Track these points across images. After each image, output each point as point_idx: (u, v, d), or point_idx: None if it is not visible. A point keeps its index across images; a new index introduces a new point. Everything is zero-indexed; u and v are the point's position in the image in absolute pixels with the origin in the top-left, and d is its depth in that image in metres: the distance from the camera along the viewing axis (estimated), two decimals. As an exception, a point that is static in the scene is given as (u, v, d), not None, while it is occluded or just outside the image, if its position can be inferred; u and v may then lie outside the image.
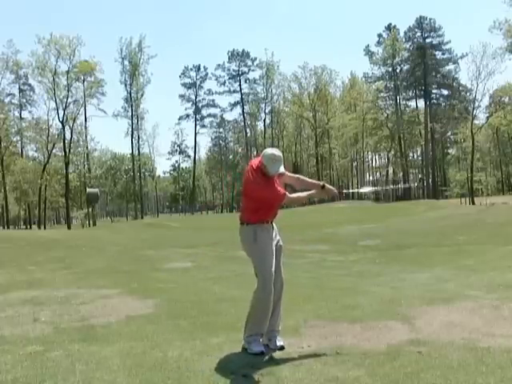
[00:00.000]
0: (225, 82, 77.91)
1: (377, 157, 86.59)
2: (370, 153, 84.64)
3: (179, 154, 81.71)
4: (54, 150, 54.72)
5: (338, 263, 10.39)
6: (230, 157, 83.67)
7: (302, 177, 4.63)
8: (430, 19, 73.04)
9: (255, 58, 76.38)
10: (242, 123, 77.56)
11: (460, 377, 3.35)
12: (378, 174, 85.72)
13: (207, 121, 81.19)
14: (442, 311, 5.25)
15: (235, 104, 77.98)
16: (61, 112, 52.21)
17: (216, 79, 78.52)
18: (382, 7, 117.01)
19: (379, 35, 73.51)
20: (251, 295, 4.19)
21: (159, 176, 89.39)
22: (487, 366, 3.53)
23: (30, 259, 12.17)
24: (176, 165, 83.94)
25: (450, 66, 74.26)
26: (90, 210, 55.89)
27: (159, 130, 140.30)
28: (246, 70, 77.66)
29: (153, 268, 10.34)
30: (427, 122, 70.32)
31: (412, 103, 76.12)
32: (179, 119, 79.09)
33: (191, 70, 78.78)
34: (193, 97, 78.71)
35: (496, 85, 60.87)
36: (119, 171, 78.87)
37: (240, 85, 77.25)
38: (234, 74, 77.47)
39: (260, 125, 78.46)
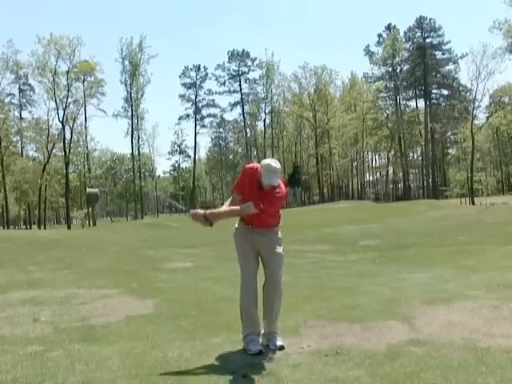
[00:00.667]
0: (225, 81, 78.00)
1: (377, 157, 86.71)
2: (369, 153, 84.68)
3: (179, 153, 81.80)
4: (54, 150, 54.79)
5: (338, 263, 10.39)
6: (230, 157, 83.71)
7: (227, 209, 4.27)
8: (430, 19, 73.13)
9: (255, 58, 76.54)
10: (242, 123, 77.59)
11: (460, 377, 3.35)
12: (378, 173, 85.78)
13: (207, 121, 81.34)
14: (442, 311, 5.25)
15: (235, 104, 78.08)
16: (61, 112, 52.33)
17: (216, 79, 78.66)
18: (382, 7, 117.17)
19: (379, 35, 73.60)
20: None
21: (159, 176, 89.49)
22: (487, 366, 3.53)
23: (29, 259, 12.17)
24: (176, 165, 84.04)
25: (450, 66, 74.42)
26: (90, 210, 55.91)
27: (159, 129, 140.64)
28: (245, 70, 77.75)
29: (153, 268, 10.34)
30: (427, 122, 70.33)
31: (412, 103, 76.29)
32: (179, 119, 79.22)
33: (191, 70, 78.85)
34: (193, 97, 78.79)
35: (496, 85, 60.88)
36: (119, 171, 78.93)
37: (240, 85, 77.33)
38: (233, 73, 77.52)
39: (260, 125, 78.61)
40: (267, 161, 4.18)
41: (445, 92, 75.75)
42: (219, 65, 77.84)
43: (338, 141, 77.80)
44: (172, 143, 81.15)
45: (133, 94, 64.33)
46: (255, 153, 77.23)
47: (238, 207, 4.16)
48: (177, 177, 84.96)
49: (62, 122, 52.42)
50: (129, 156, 70.66)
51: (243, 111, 76.78)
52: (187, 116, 78.39)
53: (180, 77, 79.06)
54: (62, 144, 53.87)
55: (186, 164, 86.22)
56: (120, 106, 76.98)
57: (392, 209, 34.98)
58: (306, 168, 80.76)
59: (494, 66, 52.60)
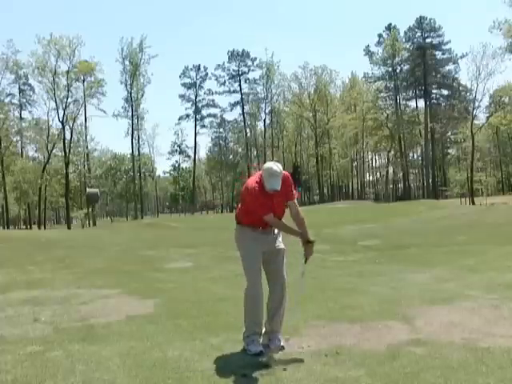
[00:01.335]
0: (225, 81, 77.90)
1: (377, 157, 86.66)
2: (369, 153, 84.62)
3: (179, 154, 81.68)
4: (54, 150, 54.73)
5: (338, 263, 10.39)
6: (230, 157, 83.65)
7: (304, 221, 4.32)
8: (430, 19, 73.05)
9: (255, 58, 76.41)
10: (242, 123, 77.51)
11: (460, 377, 3.35)
12: (377, 173, 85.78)
13: (207, 121, 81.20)
14: (442, 311, 5.25)
15: (235, 104, 77.97)
16: (61, 112, 52.25)
17: (216, 79, 78.54)
18: (382, 7, 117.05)
19: (379, 35, 73.51)
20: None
21: (159, 176, 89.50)
22: (487, 366, 3.53)
23: (29, 259, 12.17)
24: (176, 165, 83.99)
25: (450, 66, 74.29)
26: (90, 209, 55.90)
27: (159, 129, 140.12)
28: (245, 70, 77.64)
29: (153, 268, 10.34)
30: (427, 122, 70.30)
31: (412, 103, 76.19)
32: (179, 119, 79.04)
33: (191, 70, 78.75)
34: (193, 97, 78.69)
35: (496, 85, 60.89)
36: (119, 171, 78.83)
37: (240, 85, 77.25)
38: (233, 73, 77.44)
39: (260, 125, 78.51)
40: (269, 164, 4.16)
41: (445, 92, 75.73)
42: (219, 65, 77.86)
43: (337, 141, 77.78)
44: (172, 143, 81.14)
45: (133, 94, 64.27)
46: (255, 153, 77.23)
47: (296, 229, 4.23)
48: (177, 177, 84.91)
49: (61, 122, 52.41)
50: (129, 156, 70.61)
51: (243, 111, 76.77)
52: (187, 116, 78.36)
53: (180, 77, 79.07)
54: (62, 144, 53.83)
55: (186, 164, 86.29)
56: (120, 106, 77.09)
57: (392, 209, 34.96)
58: (306, 168, 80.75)
59: (494, 66, 52.59)
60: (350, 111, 75.96)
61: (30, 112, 63.20)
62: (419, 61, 71.37)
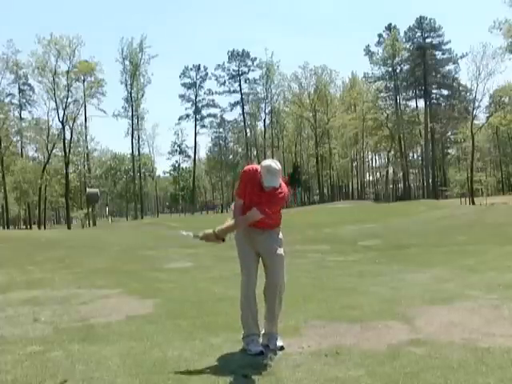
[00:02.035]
0: (225, 81, 77.93)
1: (377, 157, 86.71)
2: (369, 153, 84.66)
3: (179, 153, 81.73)
4: (54, 150, 54.77)
5: (338, 263, 10.39)
6: (230, 157, 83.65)
7: (235, 218, 4.18)
8: (430, 19, 73.06)
9: (255, 58, 76.46)
10: (242, 123, 77.55)
11: (460, 377, 3.35)
12: (377, 173, 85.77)
13: (207, 121, 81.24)
14: (442, 311, 5.25)
15: (235, 104, 78.01)
16: (61, 112, 52.32)
17: (216, 79, 78.58)
18: (382, 7, 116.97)
19: (379, 35, 73.51)
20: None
21: (159, 176, 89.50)
22: (487, 366, 3.53)
23: (29, 259, 12.17)
24: (176, 165, 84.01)
25: (450, 66, 74.32)
26: (90, 209, 55.92)
27: (159, 129, 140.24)
28: (245, 70, 77.68)
29: (153, 268, 10.34)
30: (427, 122, 70.30)
31: (412, 103, 76.21)
32: (179, 119, 79.10)
33: (191, 69, 78.78)
34: (193, 97, 78.71)
35: (496, 85, 60.81)
36: (119, 171, 78.92)
37: (240, 85, 77.29)
38: (233, 74, 77.46)
39: (260, 125, 78.55)
40: (267, 162, 4.14)
41: (445, 92, 75.74)
42: (219, 65, 77.89)
43: (337, 141, 77.80)
44: (172, 143, 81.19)
45: (133, 94, 64.32)
46: (255, 153, 77.19)
47: (244, 216, 4.11)
48: (177, 177, 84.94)
49: (62, 122, 52.46)
50: (129, 156, 70.66)
51: (243, 111, 76.80)
52: (187, 116, 78.39)
53: (180, 77, 79.10)
54: (62, 144, 53.88)
55: (186, 164, 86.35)
56: (120, 106, 77.06)
57: (392, 209, 34.96)
58: (306, 168, 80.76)
59: (494, 65, 52.59)
60: (350, 111, 75.96)
61: (29, 112, 63.34)
62: (419, 61, 71.38)
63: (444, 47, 73.77)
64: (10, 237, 20.53)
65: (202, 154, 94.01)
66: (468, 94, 67.93)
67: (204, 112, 79.97)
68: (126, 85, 64.35)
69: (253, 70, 77.38)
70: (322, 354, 3.92)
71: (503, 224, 16.30)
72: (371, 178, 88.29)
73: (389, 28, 72.08)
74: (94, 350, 4.26)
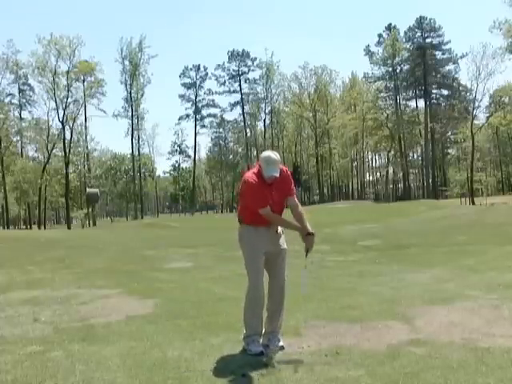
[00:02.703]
0: (225, 81, 77.94)
1: (377, 157, 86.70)
2: (369, 153, 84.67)
3: (179, 153, 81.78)
4: (54, 150, 54.74)
5: (338, 263, 10.39)
6: (230, 157, 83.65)
7: (303, 215, 4.28)
8: (430, 19, 73.08)
9: (255, 58, 76.48)
10: (242, 123, 77.55)
11: (460, 377, 3.35)
12: (377, 173, 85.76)
13: (207, 121, 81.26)
14: (442, 311, 5.25)
15: (235, 104, 78.01)
16: (61, 112, 52.26)
17: (216, 79, 78.60)
18: (382, 7, 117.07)
19: (379, 35, 73.54)
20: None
21: (159, 176, 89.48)
22: (487, 366, 3.53)
23: (29, 259, 12.17)
24: (176, 165, 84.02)
25: (450, 66, 74.33)
26: (90, 209, 55.90)
27: (159, 129, 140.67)
28: (245, 70, 77.69)
29: (153, 268, 10.34)
30: (427, 122, 70.30)
31: (412, 103, 76.24)
32: (179, 119, 79.14)
33: (191, 69, 78.79)
34: (193, 97, 78.73)
35: (496, 85, 60.77)
36: (119, 171, 78.82)
37: (240, 85, 77.29)
38: (233, 73, 77.47)
39: (260, 125, 78.53)
40: (266, 153, 4.20)
41: (445, 92, 75.74)
42: (219, 65, 77.90)
43: (337, 141, 77.81)
44: (172, 143, 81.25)
45: (133, 94, 64.29)
46: (255, 153, 77.14)
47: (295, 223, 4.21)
48: (177, 177, 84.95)
49: (62, 122, 52.41)
50: (129, 156, 70.62)
51: (243, 111, 76.81)
52: (187, 116, 78.41)
53: (180, 77, 79.12)
54: (62, 144, 53.84)
55: (186, 164, 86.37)
56: (120, 106, 77.10)
57: (392, 209, 34.97)
58: (306, 168, 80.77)
59: (494, 66, 52.52)
60: (350, 111, 75.97)
61: (29, 112, 63.34)
62: (419, 61, 71.38)
63: (444, 47, 73.83)
64: (10, 237, 20.53)
65: (202, 154, 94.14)
66: (468, 93, 67.94)
67: (204, 112, 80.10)
68: (126, 85, 64.37)
69: (253, 70, 77.49)
70: (322, 354, 3.92)
71: (503, 224, 16.30)
72: (371, 177, 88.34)
73: (389, 28, 72.09)
74: (94, 350, 4.26)
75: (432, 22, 73.05)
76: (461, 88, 71.35)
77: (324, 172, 77.61)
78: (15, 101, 61.41)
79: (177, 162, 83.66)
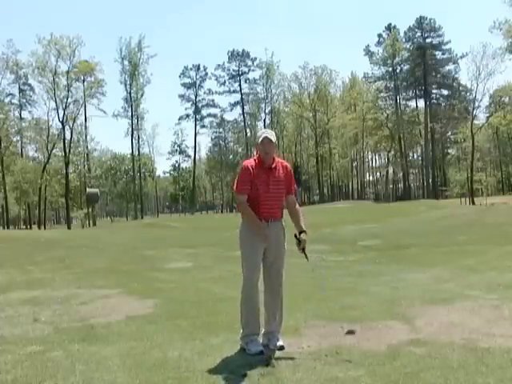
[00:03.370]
0: (225, 81, 77.98)
1: (377, 157, 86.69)
2: (369, 153, 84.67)
3: (179, 153, 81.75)
4: (54, 150, 54.75)
5: (338, 263, 10.39)
6: (230, 157, 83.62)
7: (299, 212, 4.33)
8: (430, 19, 73.12)
9: (255, 58, 76.51)
10: (242, 123, 77.56)
11: (460, 377, 3.35)
12: (378, 173, 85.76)
13: (207, 121, 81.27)
14: (442, 311, 5.25)
15: (235, 104, 78.03)
16: (61, 112, 52.28)
17: (216, 79, 78.63)
18: (382, 7, 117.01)
19: (379, 35, 73.58)
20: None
21: (159, 176, 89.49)
22: (487, 366, 3.53)
23: (29, 259, 12.17)
24: (176, 165, 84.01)
25: (450, 66, 74.40)
26: (90, 210, 55.89)
27: (159, 129, 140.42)
28: (245, 70, 77.73)
29: (153, 268, 10.34)
30: (427, 122, 70.32)
31: (412, 103, 76.29)
32: (179, 119, 79.13)
33: (191, 69, 78.79)
34: (193, 97, 78.74)
35: (496, 85, 60.80)
36: (119, 171, 78.80)
37: (240, 85, 77.32)
38: (233, 74, 77.50)
39: (260, 125, 78.37)
40: (262, 130, 4.39)
41: (445, 92, 75.79)
42: (219, 65, 77.93)
43: (337, 141, 77.81)
44: (172, 143, 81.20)
45: (132, 94, 64.25)
46: (255, 153, 76.95)
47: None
48: (177, 177, 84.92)
49: (62, 122, 52.43)
50: (129, 156, 70.60)
51: (243, 111, 76.83)
52: (187, 116, 78.42)
53: (180, 77, 79.12)
54: (62, 144, 53.86)
55: (186, 164, 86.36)
56: (120, 106, 77.03)
57: (392, 209, 34.96)
58: (306, 168, 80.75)
59: (494, 66, 52.57)
60: (350, 111, 76.00)
61: (29, 112, 63.37)
62: (419, 61, 71.41)
63: (444, 47, 73.87)
64: (10, 237, 20.53)
65: (202, 154, 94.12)
66: (468, 93, 67.97)
67: (204, 112, 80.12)
68: (126, 85, 64.33)
69: (253, 70, 77.52)
70: (322, 354, 3.91)
71: (503, 224, 16.29)
72: (371, 178, 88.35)
73: (389, 28, 72.11)
74: (94, 350, 4.25)
75: (432, 22, 73.11)
76: (461, 88, 71.38)
77: (324, 172, 77.61)
78: (15, 101, 61.52)
79: (177, 161, 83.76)
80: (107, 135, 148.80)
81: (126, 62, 63.48)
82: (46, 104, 69.30)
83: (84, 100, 55.81)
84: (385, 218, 23.19)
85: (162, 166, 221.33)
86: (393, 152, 74.00)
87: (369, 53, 74.74)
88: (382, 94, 73.79)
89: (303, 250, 4.21)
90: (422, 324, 4.75)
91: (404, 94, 75.22)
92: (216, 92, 78.86)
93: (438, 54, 74.33)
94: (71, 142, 55.33)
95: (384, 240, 14.41)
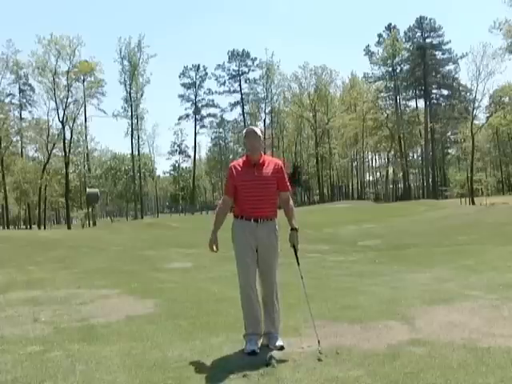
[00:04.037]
0: (225, 81, 78.01)
1: (377, 157, 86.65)
2: (369, 153, 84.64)
3: (179, 153, 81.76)
4: (54, 150, 54.76)
5: (338, 263, 10.39)
6: (230, 157, 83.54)
7: (292, 210, 4.34)
8: (430, 19, 73.18)
9: (255, 58, 76.51)
10: (242, 123, 77.50)
11: (460, 377, 3.34)
12: (377, 173, 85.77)
13: (207, 121, 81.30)
14: (442, 311, 5.25)
15: (235, 104, 78.07)
16: (61, 112, 52.28)
17: (216, 79, 78.65)
18: (382, 7, 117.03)
19: (379, 35, 73.60)
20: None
21: (159, 176, 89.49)
22: (487, 366, 3.53)
23: (29, 259, 12.17)
24: (176, 165, 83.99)
25: (450, 66, 74.47)
26: (90, 210, 55.89)
27: (159, 129, 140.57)
28: (246, 70, 77.74)
29: (153, 268, 10.34)
30: (427, 122, 70.33)
31: (412, 103, 76.33)
32: (179, 119, 79.13)
33: (191, 69, 78.77)
34: (192, 97, 78.74)
35: (496, 85, 60.81)
36: (119, 171, 78.78)
37: (240, 85, 77.34)
38: (233, 73, 77.52)
39: (260, 125, 78.38)
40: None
41: (445, 92, 75.83)
42: (219, 65, 77.93)
43: (337, 141, 77.81)
44: (172, 143, 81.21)
45: (132, 94, 64.17)
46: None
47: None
48: (177, 177, 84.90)
49: (62, 122, 52.41)
50: (129, 156, 70.57)
51: (243, 111, 76.81)
52: (187, 116, 78.43)
53: (180, 77, 79.10)
54: (62, 144, 53.85)
55: (186, 164, 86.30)
56: (120, 106, 77.10)
57: (392, 209, 34.96)
58: (306, 168, 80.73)
59: (494, 66, 52.60)
60: (350, 111, 75.95)
61: (30, 112, 63.39)
62: (419, 61, 71.43)
63: (444, 47, 73.92)
64: (10, 237, 20.53)
65: (202, 153, 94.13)
66: (468, 94, 68.00)
67: (204, 112, 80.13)
68: (125, 85, 64.20)
69: (253, 70, 77.52)
70: (322, 354, 3.91)
71: (503, 224, 16.31)
72: (371, 178, 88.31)
73: (389, 28, 72.13)
74: (94, 350, 4.25)
75: (432, 22, 73.16)
76: (461, 88, 71.41)
77: (324, 172, 77.59)
78: (15, 101, 61.60)
79: (177, 162, 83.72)
80: (107, 135, 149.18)
81: (125, 62, 63.42)
82: (45, 104, 69.52)
83: (84, 100, 55.90)
84: (385, 218, 23.20)
85: (162, 166, 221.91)
86: (393, 152, 74.00)
87: (369, 53, 74.81)
88: (381, 94, 73.79)
89: (294, 250, 4.24)
90: (422, 324, 4.75)
91: (404, 93, 75.24)
92: (216, 92, 79.01)
93: (438, 54, 74.38)
94: (71, 141, 55.32)
95: (384, 240, 14.43)
